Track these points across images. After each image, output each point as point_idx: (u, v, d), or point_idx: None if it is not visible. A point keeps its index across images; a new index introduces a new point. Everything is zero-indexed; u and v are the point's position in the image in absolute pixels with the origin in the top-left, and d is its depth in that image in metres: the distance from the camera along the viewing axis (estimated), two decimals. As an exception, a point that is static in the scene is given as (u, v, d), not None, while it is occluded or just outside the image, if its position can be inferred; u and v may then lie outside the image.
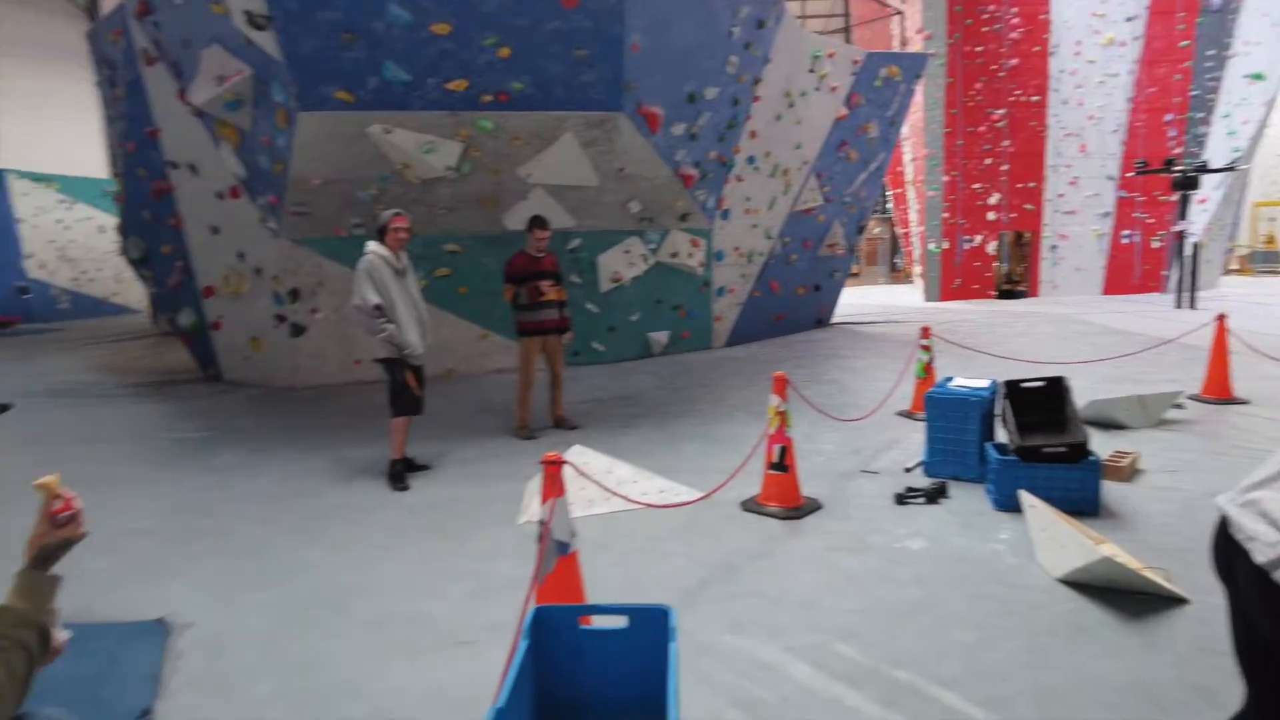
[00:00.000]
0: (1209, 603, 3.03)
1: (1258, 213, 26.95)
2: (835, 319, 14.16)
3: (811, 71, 11.50)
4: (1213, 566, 1.66)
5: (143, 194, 9.80)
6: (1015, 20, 17.85)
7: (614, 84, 8.39)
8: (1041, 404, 4.65)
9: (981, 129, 18.16)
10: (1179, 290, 15.35)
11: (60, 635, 1.66)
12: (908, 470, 5.01)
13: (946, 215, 18.49)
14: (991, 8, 17.82)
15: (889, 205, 25.60)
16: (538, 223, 6.28)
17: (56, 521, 1.63)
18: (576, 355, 9.20)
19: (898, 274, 28.62)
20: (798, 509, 4.30)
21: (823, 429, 6.03)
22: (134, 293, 23.39)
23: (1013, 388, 4.71)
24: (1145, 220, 18.18)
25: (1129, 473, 4.70)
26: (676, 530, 4.11)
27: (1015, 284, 19.10)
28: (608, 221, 9.64)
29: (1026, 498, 3.78)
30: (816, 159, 12.10)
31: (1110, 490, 4.39)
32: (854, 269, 20.35)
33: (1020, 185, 18.38)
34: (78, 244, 23.86)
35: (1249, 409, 6.50)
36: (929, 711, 2.47)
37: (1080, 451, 4.13)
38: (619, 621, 2.06)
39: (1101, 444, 5.03)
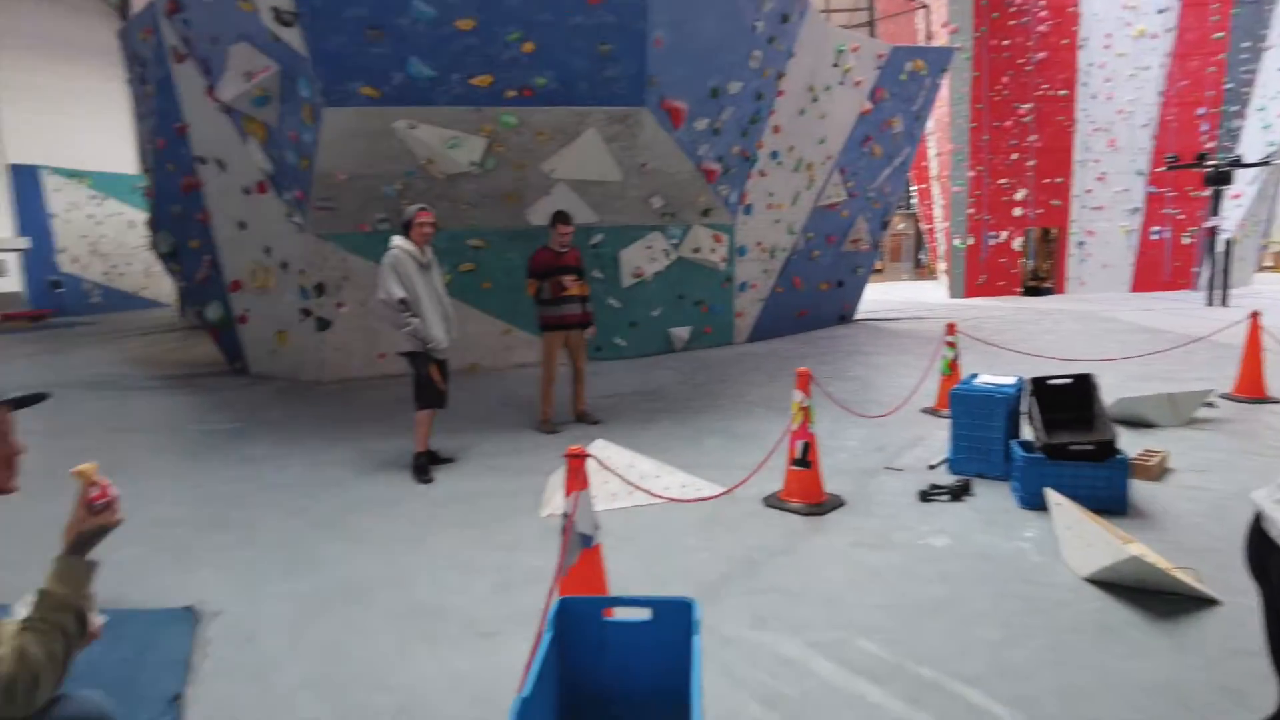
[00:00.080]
0: (1241, 604, 2.98)
1: (1292, 208, 26.41)
2: (859, 315, 14.08)
3: (835, 66, 11.42)
4: (1246, 564, 1.63)
5: (172, 189, 9.94)
6: (1043, 13, 17.61)
7: (637, 79, 8.38)
8: (1068, 401, 4.60)
9: (1008, 124, 17.95)
10: (1211, 287, 15.09)
11: (96, 620, 1.70)
12: (932, 467, 4.98)
13: (972, 211, 18.31)
14: (1019, 1, 17.59)
15: (913, 201, 25.40)
16: (561, 218, 6.30)
17: (93, 508, 1.66)
18: (598, 350, 9.21)
19: (922, 270, 28.40)
20: (820, 505, 4.28)
21: (846, 425, 6.00)
22: (163, 287, 23.77)
23: (1039, 385, 4.66)
24: (1176, 216, 17.88)
25: (1158, 472, 4.63)
26: (698, 525, 4.12)
27: (1041, 280, 18.87)
28: (630, 217, 9.64)
29: (1053, 496, 3.74)
30: (840, 154, 12.02)
31: (1139, 489, 4.33)
32: (878, 265, 20.20)
33: (1047, 181, 18.16)
34: (108, 239, 24.28)
35: (1282, 408, 6.38)
36: (953, 709, 2.45)
37: (1108, 449, 4.08)
38: (642, 614, 2.06)
39: (1130, 442, 4.96)
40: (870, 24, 23.90)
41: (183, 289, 12.25)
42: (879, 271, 24.16)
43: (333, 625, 3.16)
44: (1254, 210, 17.87)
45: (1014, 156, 18.07)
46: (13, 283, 21.80)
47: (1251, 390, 6.70)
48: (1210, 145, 16.99)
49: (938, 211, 20.64)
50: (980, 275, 18.56)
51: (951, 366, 6.56)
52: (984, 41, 17.77)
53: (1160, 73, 17.47)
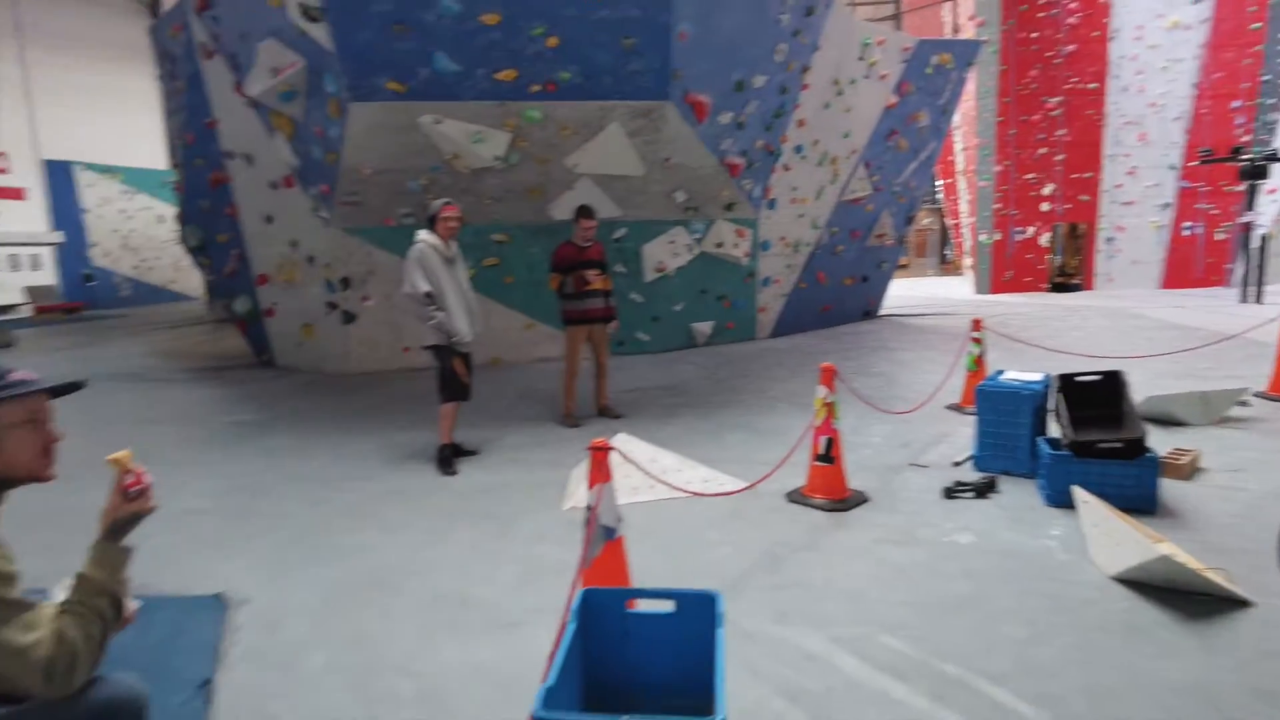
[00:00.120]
0: (1274, 605, 2.94)
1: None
2: (883, 311, 13.97)
3: (861, 59, 11.33)
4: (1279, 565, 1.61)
5: (201, 184, 10.07)
6: (1073, 5, 17.33)
7: (661, 73, 8.36)
8: (1097, 399, 4.53)
9: (1035, 117, 17.70)
10: (1244, 284, 14.79)
11: (131, 605, 1.73)
12: (957, 464, 4.93)
13: (998, 206, 18.08)
14: (1048, -7, 17.33)
15: (939, 195, 25.14)
16: (584, 212, 6.31)
17: (128, 495, 1.70)
18: (620, 345, 9.22)
19: (947, 266, 28.13)
20: (844, 501, 4.26)
21: (870, 421, 5.96)
22: (191, 280, 24.11)
23: (1067, 381, 4.60)
24: (1209, 211, 17.53)
25: (1189, 471, 4.56)
26: (721, 519, 4.11)
27: (1069, 277, 18.59)
28: (653, 211, 9.63)
29: (1080, 493, 3.70)
30: (865, 148, 11.92)
31: (1169, 488, 4.26)
32: (902, 260, 20.01)
33: (1075, 175, 17.88)
34: (139, 233, 24.68)
35: (1318, 407, 6.25)
36: (978, 706, 2.44)
37: (1137, 447, 4.02)
38: (666, 606, 2.07)
39: (1160, 441, 4.88)
40: (896, 17, 23.66)
41: (211, 282, 12.43)
42: (904, 267, 23.92)
43: (357, 613, 3.20)
44: (1290, 205, 17.49)
45: (1042, 151, 17.81)
46: (47, 276, 22.23)
47: (1286, 389, 6.57)
48: (1245, 139, 16.62)
49: (963, 206, 20.42)
50: (1006, 271, 18.34)
51: (977, 363, 6.50)
52: (1011, 34, 17.51)
53: (1194, 64, 17.12)
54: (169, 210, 21.42)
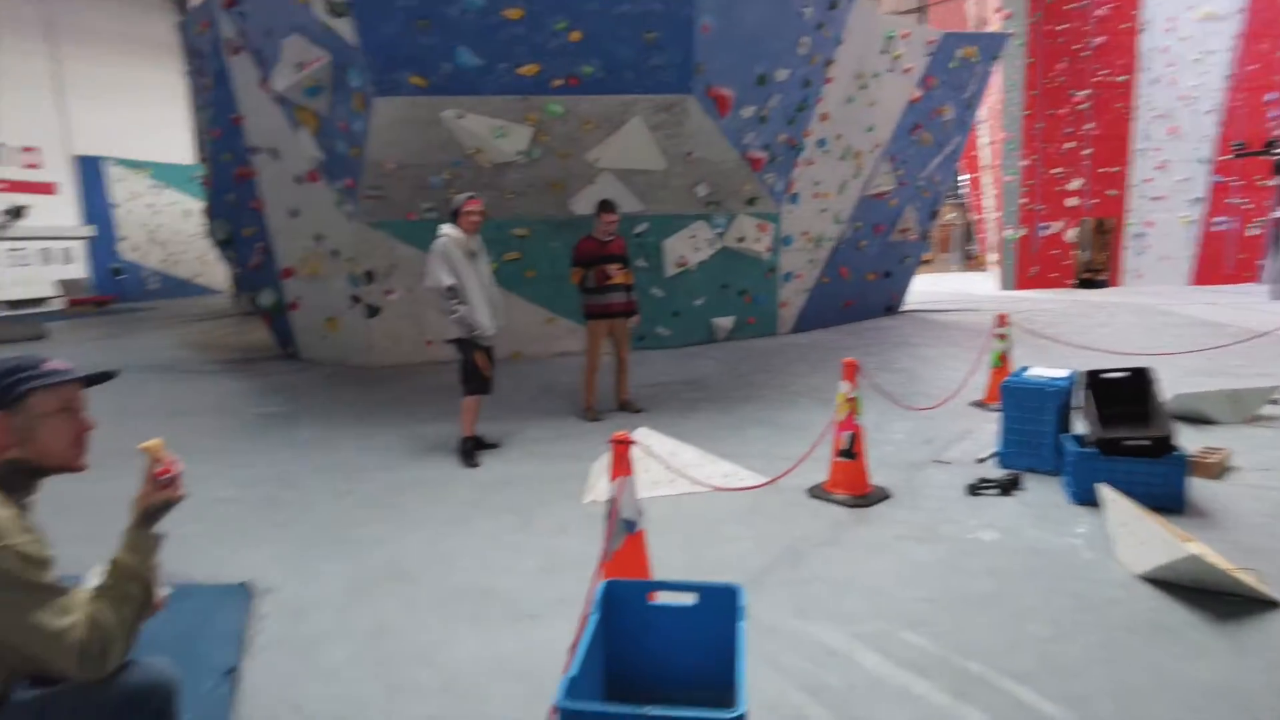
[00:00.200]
0: (1305, 606, 2.88)
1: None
2: (906, 306, 13.86)
3: (885, 53, 11.22)
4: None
5: (227, 178, 10.19)
6: (1103, -3, 17.06)
7: (684, 66, 8.34)
8: (1124, 395, 4.47)
9: (1063, 111, 17.46)
10: (1277, 280, 14.51)
11: (161, 592, 1.76)
12: (980, 461, 4.89)
13: (1024, 201, 17.88)
14: (1076, -16, 17.07)
15: (963, 190, 24.88)
16: (606, 206, 6.31)
17: (159, 483, 1.72)
18: (641, 340, 9.23)
19: (971, 261, 27.85)
20: (866, 497, 4.24)
21: (892, 418, 5.92)
22: (217, 274, 24.43)
23: (1094, 378, 4.54)
24: (1242, 206, 17.20)
25: (1219, 470, 4.49)
26: (741, 514, 4.11)
27: (1096, 273, 18.32)
28: (674, 205, 9.62)
29: (1106, 491, 3.65)
30: (889, 142, 11.82)
31: (1198, 487, 4.19)
32: (926, 256, 19.84)
33: (1103, 170, 17.62)
34: (166, 227, 25.04)
35: (1353, 406, 6.12)
36: (1000, 704, 2.42)
37: (1165, 445, 3.96)
38: (688, 598, 2.07)
39: (1189, 439, 4.81)
40: (921, 10, 23.43)
41: (237, 275, 12.58)
42: (927, 262, 23.72)
43: (380, 603, 3.23)
44: (1326, 200, 17.13)
45: (1069, 145, 17.57)
46: (78, 269, 22.63)
47: (1320, 387, 6.43)
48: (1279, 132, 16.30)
49: (988, 201, 20.19)
50: (1032, 267, 18.12)
51: (1002, 359, 6.43)
52: (1039, 27, 17.28)
53: (1227, 56, 16.79)
54: (196, 205, 21.73)
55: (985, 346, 6.84)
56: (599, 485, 4.42)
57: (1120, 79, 17.25)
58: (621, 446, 2.86)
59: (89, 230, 22.79)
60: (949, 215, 27.56)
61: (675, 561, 3.47)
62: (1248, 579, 3.02)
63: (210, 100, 10.33)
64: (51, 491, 1.80)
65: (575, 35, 7.91)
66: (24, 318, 17.12)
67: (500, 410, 6.38)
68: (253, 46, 9.03)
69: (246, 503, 4.57)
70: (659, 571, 3.13)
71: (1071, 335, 9.75)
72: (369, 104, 7.96)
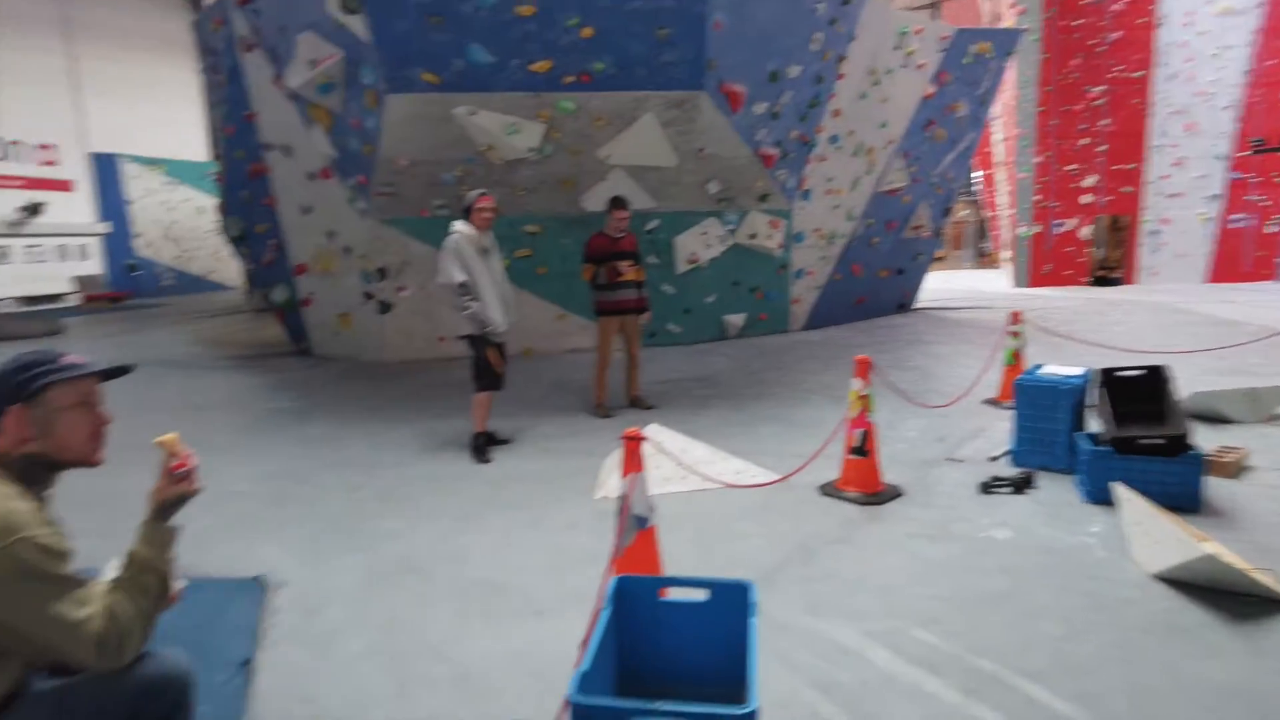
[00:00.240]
0: (1323, 606, 2.85)
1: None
2: (918, 304, 13.79)
3: (898, 48, 11.17)
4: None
5: (241, 175, 10.25)
6: (1119, -10, 16.90)
7: (696, 63, 8.33)
8: (1139, 394, 4.43)
9: (1078, 107, 17.31)
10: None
11: (177, 584, 1.78)
12: (993, 459, 4.86)
13: (1038, 198, 17.75)
14: (1093, -21, 16.91)
15: (976, 187, 24.74)
16: (617, 203, 6.30)
17: (174, 477, 1.74)
18: (652, 337, 9.22)
19: (985, 259, 27.70)
20: (878, 495, 4.23)
21: (905, 415, 5.89)
22: (230, 270, 24.59)
23: (1109, 376, 4.51)
24: (1260, 203, 17.02)
25: (1235, 469, 4.44)
26: (753, 511, 4.10)
27: (1110, 270, 18.17)
28: (686, 202, 9.60)
29: (1121, 490, 3.62)
30: (902, 138, 11.77)
31: (1214, 487, 4.16)
32: (939, 253, 19.73)
33: (1118, 166, 17.47)
34: (180, 224, 25.21)
35: (1372, 405, 6.04)
36: (1012, 702, 2.41)
37: (1181, 444, 3.93)
38: (699, 595, 2.07)
39: (1205, 438, 4.77)
40: (934, 5, 23.30)
41: (250, 272, 12.66)
42: (940, 259, 23.60)
43: (393, 598, 3.25)
44: (1345, 197, 16.92)
45: (1084, 141, 17.43)
46: (94, 266, 22.82)
47: (1338, 386, 6.36)
48: (1299, 128, 16.12)
49: (1002, 198, 20.07)
50: (1045, 264, 18.00)
51: (1015, 357, 6.40)
52: (1053, 22, 17.14)
53: (1245, 51, 16.61)
54: (210, 202, 21.87)
55: (998, 344, 6.80)
56: (610, 481, 4.43)
57: (1136, 74, 17.09)
58: (633, 443, 2.86)
59: (104, 227, 22.98)
60: (962, 212, 27.43)
61: (686, 558, 3.47)
62: (1264, 579, 2.99)
63: (224, 97, 10.39)
64: (68, 485, 1.81)
65: (587, 31, 7.91)
66: (41, 313, 17.29)
67: (512, 406, 6.40)
68: (266, 44, 9.08)
69: (259, 497, 4.60)
70: (670, 568, 3.14)
71: (1086, 333, 9.68)
72: (381, 101, 7.99)
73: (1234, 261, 17.33)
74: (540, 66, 8.07)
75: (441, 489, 4.65)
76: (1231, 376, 6.85)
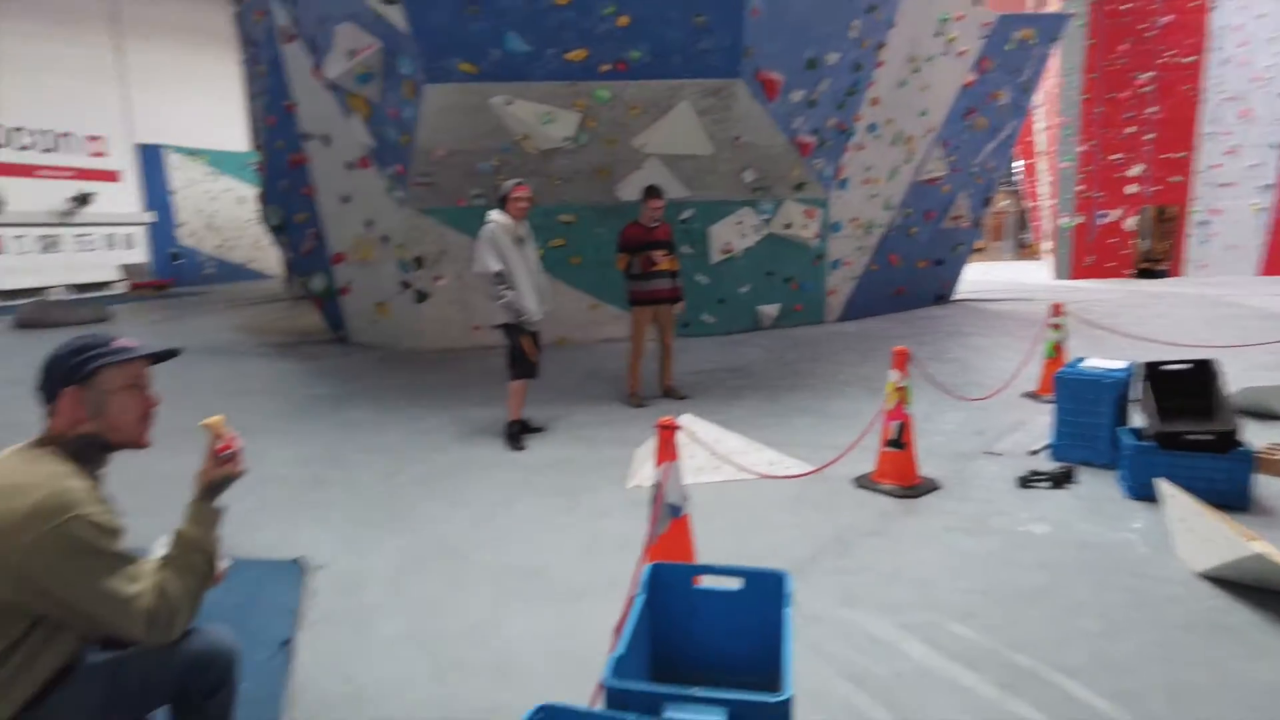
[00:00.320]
0: (1377, 608, 2.77)
1: None
2: (957, 295, 13.58)
3: (938, 35, 10.96)
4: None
5: (281, 165, 10.40)
6: (1171, -27, 16.40)
7: (733, 50, 8.26)
8: (1186, 389, 4.33)
9: (1124, 94, 16.84)
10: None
11: (222, 564, 1.82)
12: (1033, 453, 4.79)
13: (1081, 188, 17.33)
14: (1143, -38, 16.42)
15: (1017, 177, 24.25)
16: (652, 192, 6.29)
17: (220, 458, 1.78)
18: (685, 327, 9.21)
19: (1025, 250, 27.17)
20: (914, 488, 4.18)
21: (943, 408, 5.82)
22: (270, 259, 25.00)
23: (1153, 370, 4.41)
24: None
25: (1285, 466, 4.32)
26: (787, 502, 4.09)
27: (1156, 262, 17.69)
28: (721, 191, 9.55)
29: (1165, 486, 3.54)
30: (942, 127, 11.56)
31: (1263, 485, 4.05)
32: (978, 244, 19.38)
33: (1166, 155, 16.98)
34: (222, 213, 25.69)
35: None
36: (1050, 698, 2.37)
37: (1229, 440, 3.83)
38: (733, 583, 2.07)
39: (1254, 435, 4.64)
40: (977, -9, 22.78)
41: (289, 261, 12.88)
42: (980, 250, 23.18)
43: (429, 581, 3.30)
44: (1407, 187, 16.29)
45: (1130, 130, 16.96)
46: (140, 254, 23.37)
47: (1397, 382, 6.15)
48: (1359, 115, 15.53)
49: (1044, 188, 19.64)
50: (1088, 256, 17.58)
51: (1056, 349, 6.28)
52: (1100, 7, 16.68)
53: (1305, 35, 16.03)
54: (250, 191, 22.23)
55: (1039, 337, 6.68)
56: (643, 470, 4.44)
57: (1188, 60, 16.57)
58: (667, 431, 2.86)
59: (150, 216, 23.50)
60: (1002, 202, 26.90)
61: (720, 548, 3.47)
62: (1315, 579, 2.91)
63: (264, 88, 10.54)
64: (118, 466, 1.86)
65: (623, 20, 7.88)
66: (89, 301, 17.75)
67: (547, 395, 6.44)
68: (306, 34, 9.19)
69: (300, 481, 4.69)
70: (703, 557, 3.14)
71: (1129, 326, 9.46)
72: (419, 91, 8.05)
73: (1288, 253, 16.78)
74: (576, 55, 8.06)
75: (477, 475, 4.71)
76: (1283, 371, 6.66)
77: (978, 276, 17.41)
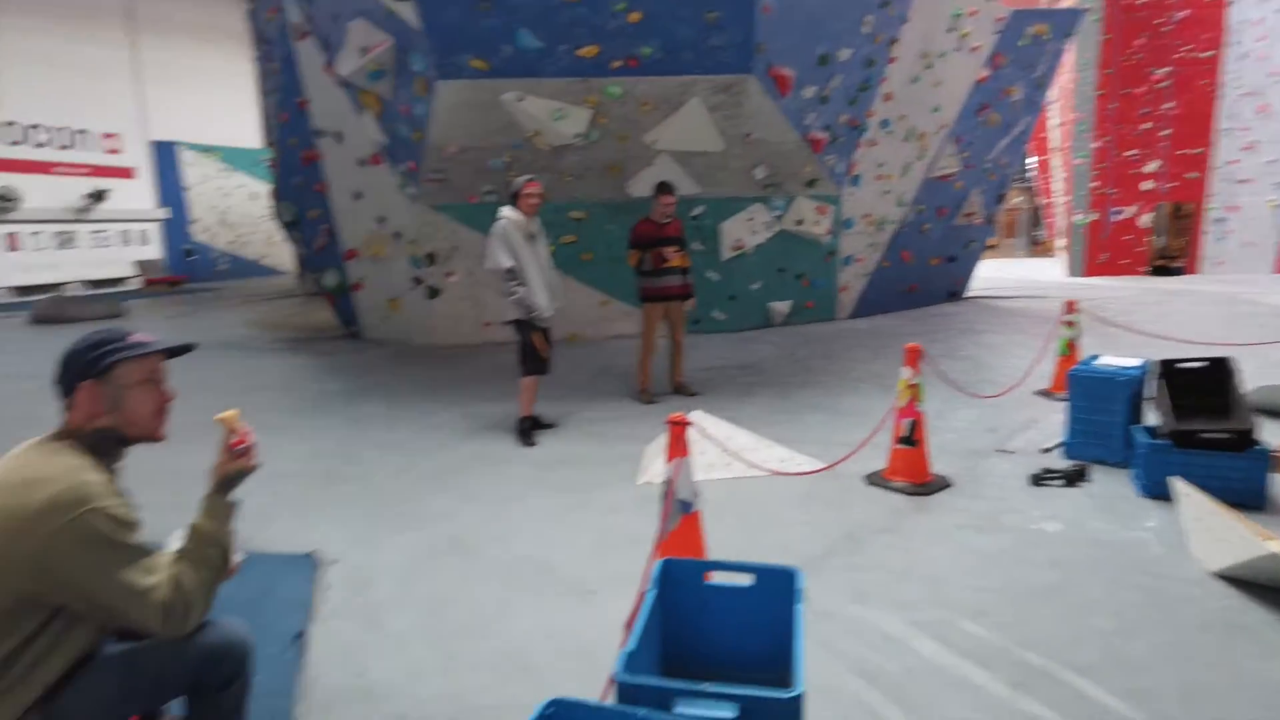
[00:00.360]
0: (1395, 608, 2.74)
1: None
2: (970, 292, 13.51)
3: (951, 31, 10.89)
4: None
5: (294, 162, 10.45)
6: (1188, -33, 16.22)
7: (744, 46, 8.24)
8: (1201, 387, 4.29)
9: (1140, 90, 16.68)
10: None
11: (236, 557, 1.84)
12: (1045, 451, 4.76)
13: (1095, 184, 17.19)
14: (1160, -44, 16.26)
15: (1030, 173, 24.10)
16: (664, 188, 6.28)
17: (234, 452, 1.79)
18: (696, 323, 9.20)
19: (1038, 247, 27.01)
20: (926, 485, 4.17)
21: (955, 405, 5.79)
22: (282, 255, 25.13)
23: (1169, 367, 4.37)
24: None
25: (1302, 465, 4.28)
26: (798, 499, 4.08)
27: (1171, 260, 17.53)
28: (732, 188, 9.53)
29: (1180, 485, 3.52)
30: (955, 123, 11.50)
31: (1279, 484, 4.01)
32: (991, 241, 19.27)
33: (1183, 151, 16.81)
34: (235, 210, 25.84)
35: None
36: (1061, 696, 2.36)
37: (1246, 439, 3.79)
38: (745, 579, 2.07)
39: (1271, 434, 4.59)
40: (991, -14, 22.62)
41: (302, 257, 12.94)
42: (992, 247, 23.05)
43: (442, 575, 3.31)
44: None
45: (1145, 125, 16.80)
46: (154, 250, 23.53)
47: None
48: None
49: (1057, 185, 19.51)
50: (1102, 253, 17.45)
51: (1070, 347, 6.24)
52: (1116, 1, 16.53)
53: (1324, 30, 15.83)
54: (263, 188, 22.36)
55: (1052, 334, 6.64)
56: (653, 466, 4.44)
57: (1205, 54, 16.40)
58: (678, 427, 2.86)
59: (164, 213, 23.66)
60: (1015, 199, 26.74)
61: (731, 544, 3.47)
62: (1332, 579, 2.89)
63: (277, 85, 10.59)
64: (133, 460, 1.88)
65: (635, 16, 7.87)
66: (104, 296, 17.89)
67: (557, 391, 6.44)
68: (318, 31, 9.22)
69: (312, 476, 4.72)
70: (714, 554, 3.13)
71: (1144, 323, 9.39)
72: (431, 87, 8.07)
73: (1307, 251, 16.60)
74: (588, 51, 8.06)
75: (488, 471, 4.72)
76: (1300, 370, 6.59)
77: (990, 274, 17.30)
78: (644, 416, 5.83)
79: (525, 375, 5.41)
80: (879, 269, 11.27)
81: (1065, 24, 12.29)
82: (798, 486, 4.22)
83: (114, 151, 22.25)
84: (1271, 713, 2.27)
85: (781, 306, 10.30)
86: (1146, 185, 17.10)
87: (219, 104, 24.55)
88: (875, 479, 4.31)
